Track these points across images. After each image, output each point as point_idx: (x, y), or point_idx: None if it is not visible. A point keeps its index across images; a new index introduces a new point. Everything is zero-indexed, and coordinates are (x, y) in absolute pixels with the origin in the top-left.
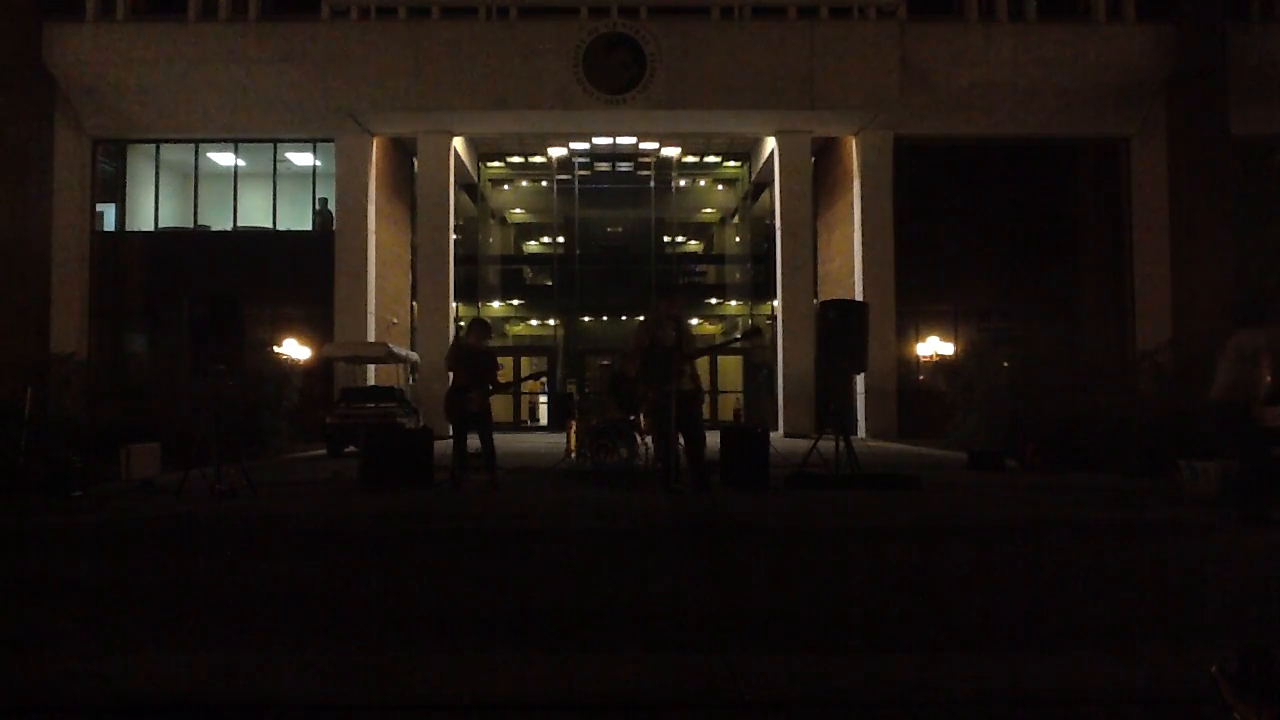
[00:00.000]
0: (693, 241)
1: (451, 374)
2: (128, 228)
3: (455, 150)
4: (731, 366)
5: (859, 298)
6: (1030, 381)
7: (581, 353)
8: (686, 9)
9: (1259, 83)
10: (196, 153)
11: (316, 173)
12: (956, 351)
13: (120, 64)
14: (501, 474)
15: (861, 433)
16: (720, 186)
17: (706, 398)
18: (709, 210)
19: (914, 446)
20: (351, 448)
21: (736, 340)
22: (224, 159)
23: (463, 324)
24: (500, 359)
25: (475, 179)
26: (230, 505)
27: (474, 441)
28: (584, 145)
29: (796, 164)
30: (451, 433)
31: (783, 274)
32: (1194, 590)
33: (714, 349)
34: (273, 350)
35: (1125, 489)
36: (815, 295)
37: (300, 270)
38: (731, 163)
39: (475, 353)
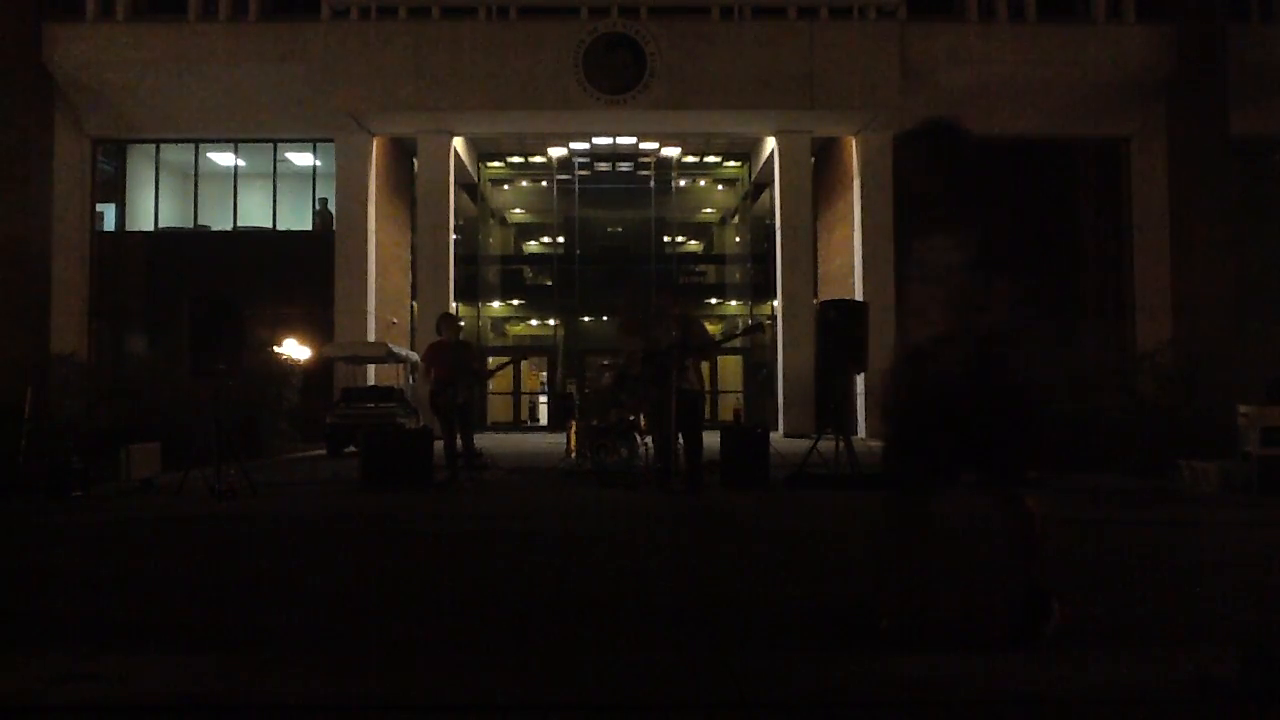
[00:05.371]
0: (693, 241)
1: (431, 372)
2: (128, 228)
3: (455, 150)
4: (731, 366)
5: (859, 298)
6: (1030, 381)
7: (581, 353)
8: (686, 9)
9: (1259, 83)
10: (196, 153)
11: (316, 173)
12: None
13: (120, 64)
14: (500, 473)
15: (861, 433)
16: (720, 186)
17: (707, 398)
18: (709, 210)
19: None
20: (351, 448)
21: (738, 334)
22: (224, 159)
23: (463, 324)
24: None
25: (475, 179)
26: (230, 505)
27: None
28: (584, 145)
29: (796, 164)
30: (442, 430)
31: (783, 274)
32: (1194, 589)
33: (718, 344)
34: (273, 350)
35: (1125, 489)
36: (815, 295)
37: (300, 270)
38: (731, 163)
39: (448, 348)
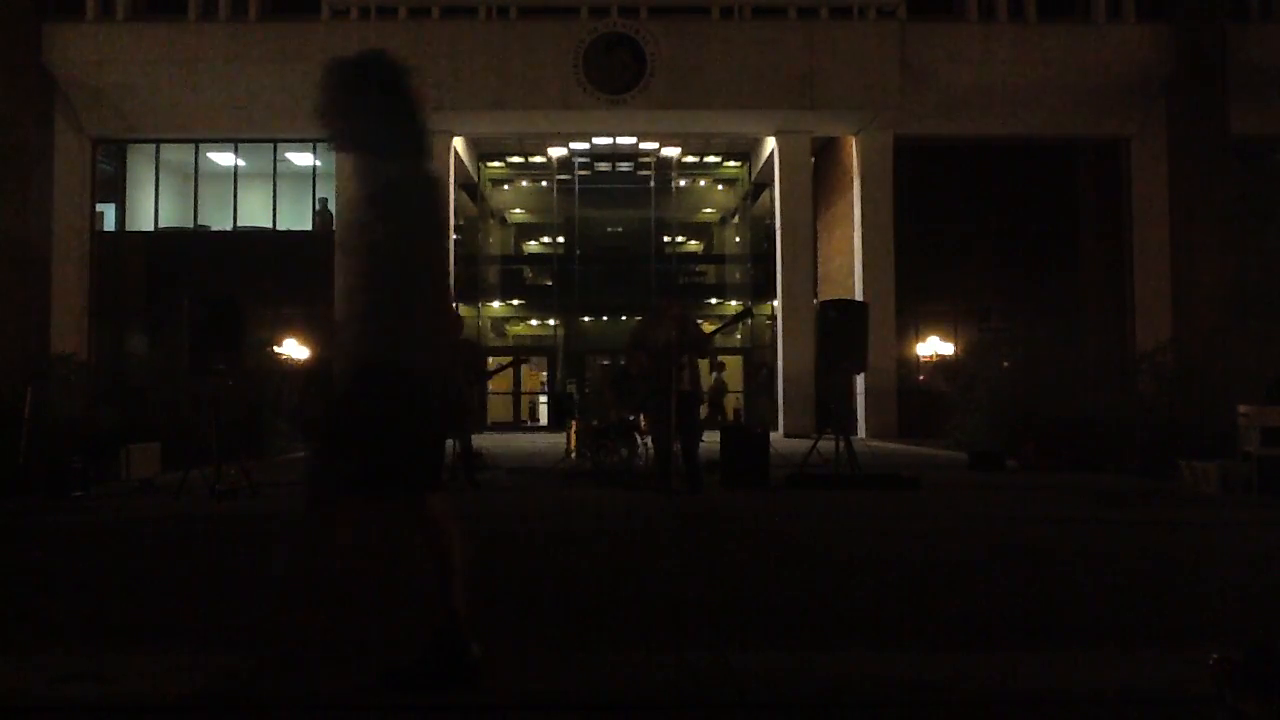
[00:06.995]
0: (693, 241)
1: None
2: (128, 228)
3: (455, 150)
4: (731, 366)
5: (859, 298)
6: (1030, 381)
7: (581, 353)
8: (686, 9)
9: (1259, 83)
10: (196, 153)
11: (316, 173)
12: (956, 351)
13: (120, 64)
14: (500, 474)
15: (861, 433)
16: (720, 186)
17: (705, 399)
18: (709, 210)
19: (914, 446)
20: None
21: (726, 325)
22: (224, 159)
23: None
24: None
25: (475, 179)
26: (230, 505)
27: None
28: (584, 145)
29: (796, 164)
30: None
31: (783, 274)
32: (1194, 589)
33: (712, 338)
34: (273, 350)
35: (1125, 489)
36: (815, 295)
37: (300, 270)
38: (731, 163)
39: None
